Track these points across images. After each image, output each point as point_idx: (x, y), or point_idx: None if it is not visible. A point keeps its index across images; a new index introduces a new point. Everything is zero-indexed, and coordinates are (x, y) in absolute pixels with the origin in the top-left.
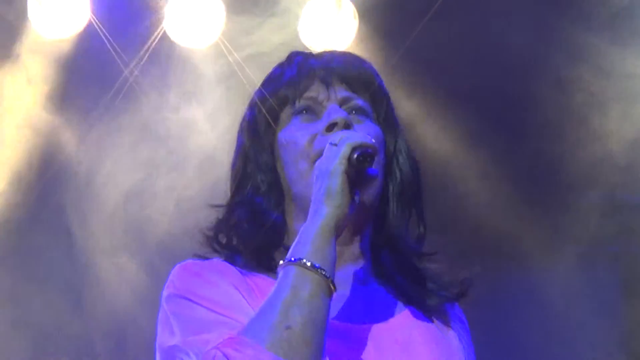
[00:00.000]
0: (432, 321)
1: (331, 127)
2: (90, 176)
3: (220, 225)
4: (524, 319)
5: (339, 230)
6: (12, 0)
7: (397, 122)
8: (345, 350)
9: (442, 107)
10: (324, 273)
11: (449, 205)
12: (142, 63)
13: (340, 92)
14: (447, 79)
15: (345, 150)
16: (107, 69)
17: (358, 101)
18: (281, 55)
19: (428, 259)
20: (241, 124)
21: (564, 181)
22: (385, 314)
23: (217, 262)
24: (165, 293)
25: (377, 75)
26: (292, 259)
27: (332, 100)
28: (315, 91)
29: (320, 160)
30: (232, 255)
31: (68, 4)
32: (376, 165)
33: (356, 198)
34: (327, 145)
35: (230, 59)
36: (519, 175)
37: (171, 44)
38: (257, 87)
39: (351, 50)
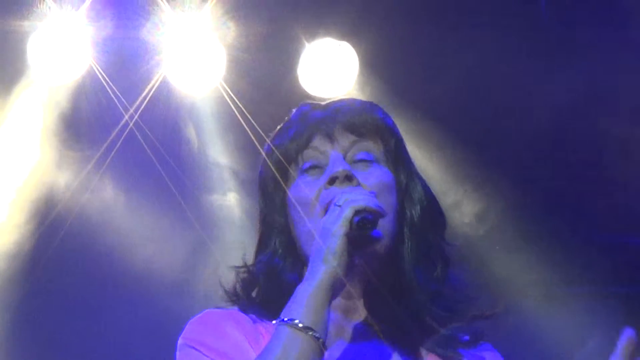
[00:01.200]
0: None
1: (333, 180)
2: (87, 221)
3: (240, 282)
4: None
5: (335, 291)
6: (12, 47)
7: (409, 162)
8: None
9: (445, 153)
10: (315, 335)
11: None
12: (142, 108)
13: (345, 139)
14: (450, 124)
15: (348, 213)
16: (107, 114)
17: (364, 145)
18: (281, 100)
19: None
20: (258, 183)
21: (571, 220)
22: None
23: (232, 312)
24: (179, 342)
25: (386, 116)
26: (286, 318)
27: (336, 150)
28: (319, 142)
29: (324, 220)
30: (247, 304)
31: (69, 49)
32: (385, 223)
33: (355, 259)
34: (332, 206)
35: (230, 104)
36: (522, 213)
37: (171, 88)
38: (259, 133)
39: (352, 95)
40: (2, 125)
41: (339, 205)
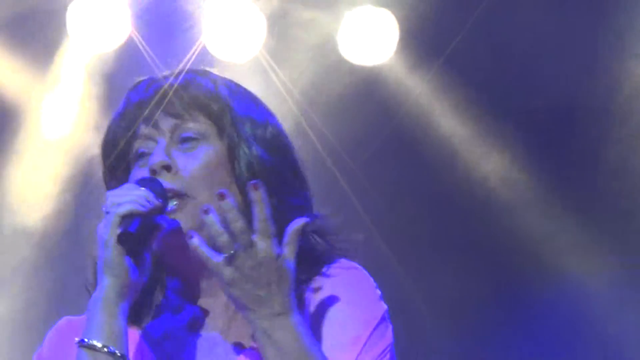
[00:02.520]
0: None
1: (153, 173)
2: None
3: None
4: (561, 332)
5: (129, 295)
6: (52, 16)
7: (240, 128)
8: None
9: (483, 118)
10: (112, 351)
11: (492, 214)
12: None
13: (167, 123)
14: (489, 91)
15: (115, 220)
16: None
17: (186, 126)
18: (322, 68)
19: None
20: None
21: (612, 188)
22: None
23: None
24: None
25: (208, 84)
26: (79, 339)
27: (161, 136)
28: (145, 131)
29: (99, 227)
30: None
31: (108, 19)
32: (186, 212)
33: (145, 258)
34: (104, 211)
35: (270, 72)
36: (563, 182)
37: (211, 58)
38: (298, 101)
39: (391, 63)
40: (42, 93)
41: (108, 212)
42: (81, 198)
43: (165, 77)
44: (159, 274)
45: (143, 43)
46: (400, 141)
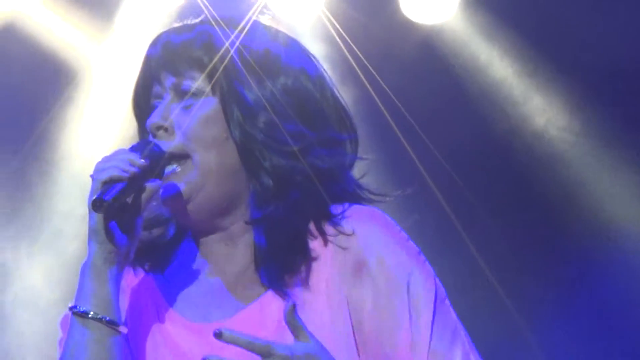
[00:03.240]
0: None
1: (153, 135)
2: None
3: None
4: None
5: (118, 260)
6: None
7: (235, 88)
8: (199, 350)
9: (550, 79)
10: (99, 316)
11: (561, 187)
12: (242, 36)
13: (168, 81)
14: (550, 50)
15: (97, 186)
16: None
17: (184, 83)
18: (384, 27)
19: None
20: None
21: None
22: (240, 306)
23: None
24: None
25: (204, 38)
26: (70, 306)
27: (166, 93)
28: (156, 89)
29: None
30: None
31: None
32: (182, 177)
33: (132, 223)
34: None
35: (332, 31)
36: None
37: (273, 16)
38: (361, 60)
39: (453, 21)
40: (104, 53)
41: (92, 178)
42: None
43: (179, 31)
44: (176, 226)
45: (205, 2)
46: (460, 99)
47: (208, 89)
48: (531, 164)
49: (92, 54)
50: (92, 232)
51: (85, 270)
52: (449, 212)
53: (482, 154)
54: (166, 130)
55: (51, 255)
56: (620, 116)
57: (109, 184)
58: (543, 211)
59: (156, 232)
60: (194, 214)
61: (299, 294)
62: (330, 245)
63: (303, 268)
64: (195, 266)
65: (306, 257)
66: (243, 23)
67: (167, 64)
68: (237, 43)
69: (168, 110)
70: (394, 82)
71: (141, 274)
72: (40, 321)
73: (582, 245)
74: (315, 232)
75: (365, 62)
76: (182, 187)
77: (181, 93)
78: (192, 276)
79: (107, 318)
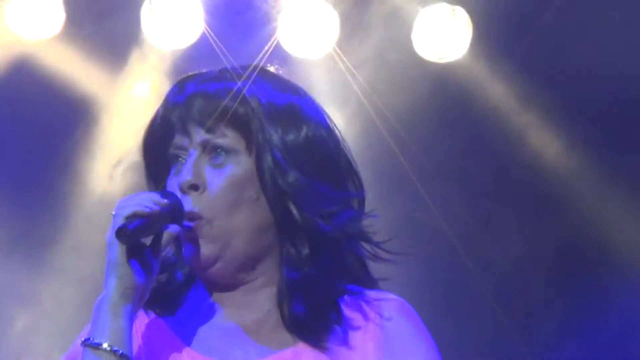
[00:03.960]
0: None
1: (183, 191)
2: None
3: None
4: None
5: (134, 297)
6: (125, 12)
7: (268, 141)
8: None
9: (558, 117)
10: (114, 349)
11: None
12: (255, 74)
13: (198, 136)
14: (564, 89)
15: (118, 220)
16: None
17: (216, 143)
18: (395, 65)
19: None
20: None
21: None
22: (265, 351)
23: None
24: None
25: (244, 99)
26: (83, 339)
27: (192, 148)
28: (179, 139)
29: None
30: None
31: (181, 15)
32: (241, 217)
33: (150, 260)
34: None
35: (343, 69)
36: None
37: (285, 54)
38: (372, 98)
39: (464, 60)
40: (117, 91)
41: (114, 214)
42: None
43: (196, 80)
44: (183, 271)
45: (216, 40)
46: (474, 138)
47: (242, 147)
48: (546, 198)
49: (105, 93)
50: (111, 266)
51: (101, 304)
52: (461, 252)
53: (499, 195)
54: (196, 189)
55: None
56: (626, 145)
57: (131, 218)
58: (557, 246)
59: (163, 277)
60: (218, 270)
61: (334, 349)
62: (367, 320)
63: (338, 329)
64: (207, 310)
65: (340, 319)
66: (261, 74)
67: (199, 118)
68: (263, 97)
69: (198, 168)
70: (405, 119)
71: (152, 316)
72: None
73: (595, 282)
74: (350, 302)
75: (376, 99)
76: (208, 245)
77: (211, 149)
78: (205, 318)
79: (121, 351)
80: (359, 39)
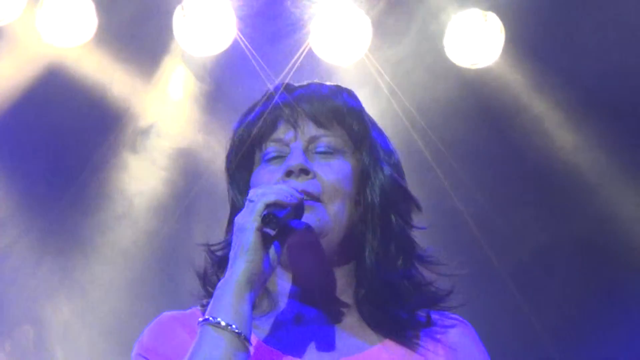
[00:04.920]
0: (411, 352)
1: (289, 173)
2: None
3: (208, 269)
4: None
5: (257, 285)
6: (159, 18)
7: (374, 148)
8: None
9: (590, 122)
10: (237, 331)
11: (591, 218)
12: (287, 80)
13: (307, 129)
14: (593, 93)
15: (259, 207)
16: (252, 86)
17: (325, 139)
18: (427, 71)
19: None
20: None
21: None
22: (354, 349)
23: (188, 314)
24: (133, 350)
25: (352, 101)
26: (208, 318)
27: (299, 141)
28: (282, 132)
29: (239, 215)
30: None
31: (214, 21)
32: (335, 211)
33: (275, 251)
34: (247, 202)
35: (376, 75)
36: None
37: (317, 60)
38: (404, 104)
39: (496, 66)
40: (150, 96)
41: (252, 201)
42: (186, 200)
43: (303, 86)
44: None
45: (248, 46)
46: (505, 144)
47: (348, 148)
48: (573, 203)
49: (138, 97)
50: (243, 250)
51: (226, 286)
52: (491, 258)
53: (528, 199)
54: (307, 173)
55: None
56: None
57: (272, 206)
58: (583, 252)
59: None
60: (316, 252)
61: (418, 344)
62: (437, 341)
63: (415, 333)
64: (288, 310)
65: (418, 324)
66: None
67: (313, 115)
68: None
69: (307, 157)
70: (438, 125)
71: None
72: None
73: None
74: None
75: (409, 105)
76: (314, 222)
77: (320, 145)
78: (286, 319)
79: (244, 335)
80: (391, 45)
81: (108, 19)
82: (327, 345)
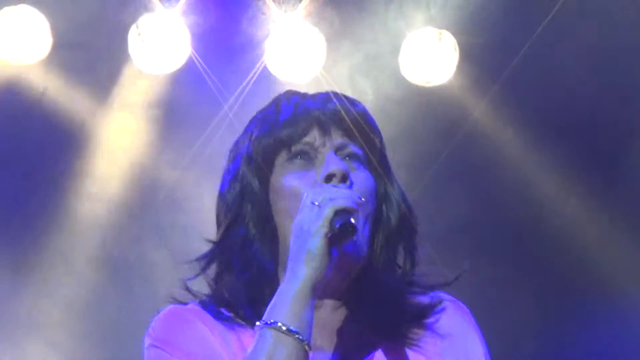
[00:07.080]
0: (411, 352)
1: (330, 178)
2: (190, 212)
3: (208, 269)
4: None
5: (319, 291)
6: (113, 37)
7: (388, 167)
8: None
9: (542, 140)
10: (299, 337)
11: (549, 236)
12: (242, 98)
13: (337, 138)
14: (546, 112)
15: (328, 213)
16: (206, 105)
17: (353, 148)
18: (382, 89)
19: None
20: (231, 166)
21: None
22: (355, 356)
23: (194, 308)
24: (145, 342)
25: (372, 118)
26: (269, 321)
27: (328, 147)
28: (313, 136)
29: (300, 219)
30: (206, 302)
31: (169, 40)
32: (361, 218)
33: (334, 258)
34: (309, 204)
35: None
36: (618, 206)
37: (272, 78)
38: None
39: (451, 84)
40: (104, 115)
41: (317, 204)
42: (140, 221)
43: (322, 93)
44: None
45: (203, 64)
46: (458, 162)
47: (366, 158)
48: (534, 229)
49: (92, 117)
50: (309, 256)
51: (289, 292)
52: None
53: (483, 217)
54: (346, 181)
55: None
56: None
57: (341, 212)
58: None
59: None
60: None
61: (415, 341)
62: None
63: (417, 332)
64: None
65: (412, 317)
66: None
67: (340, 122)
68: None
69: (345, 164)
70: (391, 143)
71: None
72: None
73: (589, 312)
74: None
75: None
76: (362, 246)
77: (347, 153)
78: None
79: (307, 343)
80: (346, 63)
81: (63, 37)
82: (326, 355)
